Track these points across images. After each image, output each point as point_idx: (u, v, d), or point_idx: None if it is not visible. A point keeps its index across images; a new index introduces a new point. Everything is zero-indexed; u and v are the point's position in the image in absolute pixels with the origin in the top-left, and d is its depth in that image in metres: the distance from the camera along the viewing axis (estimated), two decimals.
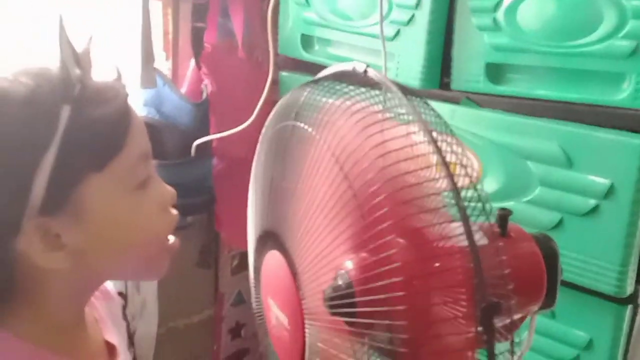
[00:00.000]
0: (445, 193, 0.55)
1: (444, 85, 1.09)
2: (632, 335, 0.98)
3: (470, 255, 0.53)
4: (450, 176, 0.53)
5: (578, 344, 0.99)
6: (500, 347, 0.57)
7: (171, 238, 0.67)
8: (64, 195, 0.56)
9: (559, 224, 0.95)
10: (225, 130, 1.21)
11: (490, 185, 1.01)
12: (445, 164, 0.54)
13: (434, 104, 1.11)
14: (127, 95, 0.62)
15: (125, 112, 0.61)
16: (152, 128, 1.19)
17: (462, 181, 0.55)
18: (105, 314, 0.73)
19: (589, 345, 0.99)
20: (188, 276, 1.48)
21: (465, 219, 0.53)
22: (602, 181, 0.89)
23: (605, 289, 0.92)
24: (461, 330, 0.53)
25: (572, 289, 0.97)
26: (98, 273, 0.63)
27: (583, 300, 0.97)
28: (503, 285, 0.55)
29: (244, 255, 1.56)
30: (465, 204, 0.55)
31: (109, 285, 0.78)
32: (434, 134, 0.56)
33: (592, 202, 0.90)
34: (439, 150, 0.54)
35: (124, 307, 1.43)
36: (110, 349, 0.70)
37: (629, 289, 0.92)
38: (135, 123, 0.61)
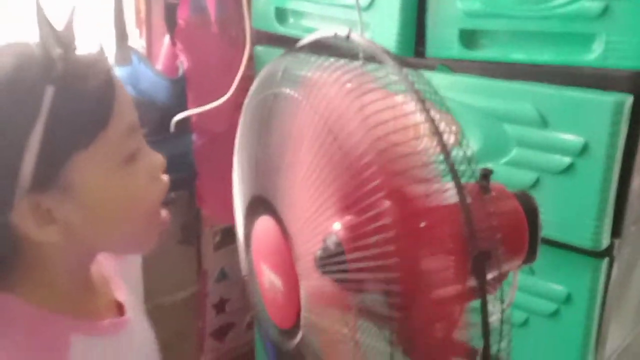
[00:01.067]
0: (432, 152, 0.57)
1: (419, 53, 1.11)
2: (609, 287, 1.02)
3: (460, 207, 0.56)
4: (438, 134, 0.55)
5: (557, 298, 1.03)
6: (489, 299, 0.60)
7: (163, 212, 0.68)
8: (53, 173, 0.57)
9: (536, 183, 0.98)
10: (203, 106, 1.22)
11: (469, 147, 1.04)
12: (432, 121, 0.56)
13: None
14: (110, 68, 0.62)
15: (109, 86, 0.61)
16: None
17: (449, 140, 0.57)
18: (115, 272, 0.74)
19: (567, 299, 1.02)
20: (171, 253, 1.49)
21: (454, 174, 0.55)
22: (576, 139, 0.92)
23: (582, 243, 0.96)
24: (454, 281, 0.56)
25: (550, 246, 1.00)
26: (91, 246, 0.64)
27: (561, 255, 1.01)
28: (491, 237, 0.58)
29: (225, 232, 1.58)
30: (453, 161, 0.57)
31: None
32: (420, 95, 0.57)
33: (567, 160, 0.93)
34: (425, 110, 0.56)
35: None
36: (119, 306, 0.71)
37: (605, 242, 0.96)
38: (120, 96, 0.62)
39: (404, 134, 0.58)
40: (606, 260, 1.00)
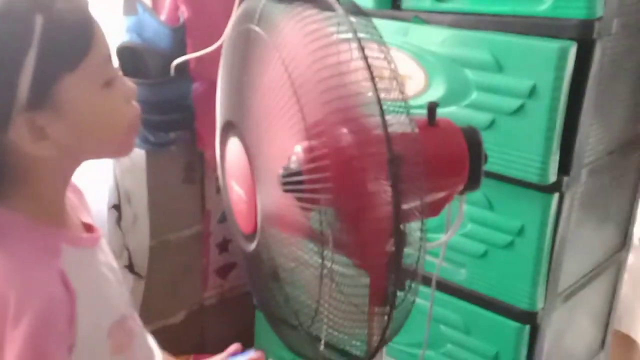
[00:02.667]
0: (370, 93, 0.67)
1: (396, 5, 1.21)
2: (560, 221, 1.12)
3: (383, 127, 0.66)
4: (372, 77, 0.65)
5: (511, 230, 1.13)
6: (414, 226, 0.69)
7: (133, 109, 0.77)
8: (45, 92, 0.67)
9: (492, 124, 1.07)
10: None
11: (436, 93, 1.14)
12: (369, 68, 0.66)
13: (387, 23, 1.23)
14: (87, 4, 0.72)
15: (90, 17, 0.71)
16: (134, 51, 1.31)
17: (389, 86, 0.67)
18: (77, 203, 0.85)
19: (521, 232, 1.13)
20: (176, 192, 1.61)
21: (379, 104, 0.65)
22: (526, 82, 1.02)
23: (532, 178, 1.06)
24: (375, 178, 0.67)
25: (505, 182, 1.10)
26: (78, 157, 0.74)
27: (515, 191, 1.11)
28: (418, 164, 0.68)
29: None
30: (384, 97, 0.67)
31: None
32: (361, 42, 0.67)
33: (519, 101, 1.03)
34: (364, 55, 0.65)
35: (119, 219, 1.57)
36: (88, 228, 0.82)
37: (552, 177, 1.05)
38: (97, 30, 0.71)
39: (349, 76, 0.68)
40: (556, 195, 1.09)
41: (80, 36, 0.69)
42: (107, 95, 0.72)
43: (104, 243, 0.83)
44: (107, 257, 0.82)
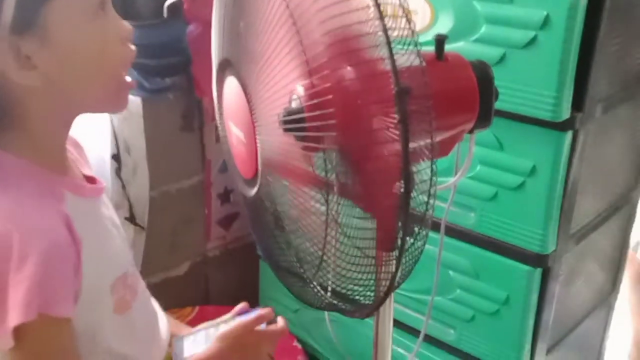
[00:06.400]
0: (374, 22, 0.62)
1: None
2: (573, 160, 1.08)
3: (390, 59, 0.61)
4: (376, 3, 0.60)
5: (522, 171, 1.09)
6: (423, 165, 0.64)
7: (128, 78, 0.74)
8: (31, 16, 0.63)
9: (502, 58, 1.02)
10: None
11: (443, 27, 1.08)
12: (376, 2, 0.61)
13: None
14: None
15: None
16: None
17: (396, 23, 0.62)
18: (77, 157, 0.82)
19: (532, 172, 1.08)
20: (174, 142, 1.56)
21: (387, 37, 0.60)
22: (539, 12, 0.96)
23: (544, 115, 1.01)
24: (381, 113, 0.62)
25: (515, 121, 1.05)
26: (69, 96, 0.70)
27: (527, 130, 1.06)
28: (426, 98, 0.63)
29: None
30: (392, 32, 0.61)
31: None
32: None
33: (531, 33, 0.98)
34: None
35: (118, 169, 1.54)
36: (90, 180, 0.79)
37: (565, 114, 1.01)
38: None
39: (348, 4, 0.62)
40: (569, 133, 1.05)
41: None
42: (98, 26, 0.68)
43: (105, 198, 0.80)
44: (109, 211, 0.80)
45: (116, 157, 1.51)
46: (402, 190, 0.64)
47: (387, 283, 0.69)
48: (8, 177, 0.68)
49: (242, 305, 0.92)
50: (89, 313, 0.70)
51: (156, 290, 0.89)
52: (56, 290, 0.64)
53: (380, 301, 0.71)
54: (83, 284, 0.68)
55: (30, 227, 0.64)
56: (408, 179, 0.63)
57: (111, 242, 0.77)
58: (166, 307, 0.90)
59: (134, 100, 1.39)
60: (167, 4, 1.28)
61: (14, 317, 0.61)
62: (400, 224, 0.66)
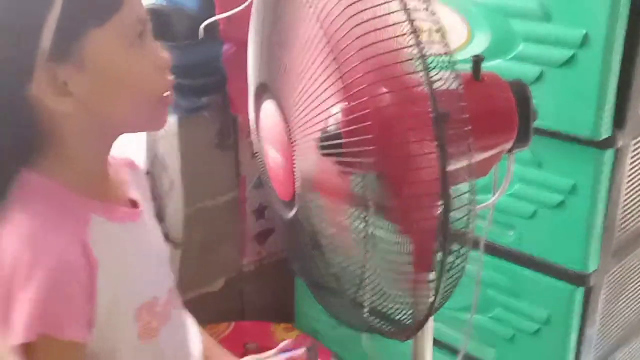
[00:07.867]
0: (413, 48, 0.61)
1: None
2: (615, 178, 1.06)
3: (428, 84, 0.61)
4: (414, 30, 0.60)
5: (562, 189, 1.07)
6: (463, 188, 0.64)
7: (166, 93, 0.75)
8: (70, 45, 0.65)
9: (540, 77, 1.01)
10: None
11: (478, 46, 1.07)
12: (411, 22, 0.60)
13: None
14: None
15: None
16: (161, 13, 1.28)
17: (430, 39, 0.62)
18: (130, 179, 0.83)
19: (572, 190, 1.07)
20: (209, 159, 1.58)
21: (423, 61, 0.60)
22: (577, 31, 0.94)
23: (584, 132, 0.99)
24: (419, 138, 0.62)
25: (555, 138, 1.04)
26: (105, 121, 0.71)
27: (566, 148, 1.05)
28: (464, 122, 0.63)
29: None
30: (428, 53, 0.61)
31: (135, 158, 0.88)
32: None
33: (569, 52, 0.96)
34: (406, 9, 0.60)
35: (154, 186, 1.56)
36: (133, 204, 0.80)
37: (606, 132, 0.99)
38: None
39: (388, 32, 0.62)
40: (611, 151, 1.03)
41: None
42: (136, 56, 0.69)
43: (148, 220, 0.81)
44: (149, 235, 0.80)
45: (150, 174, 1.53)
46: (440, 214, 0.64)
47: (428, 304, 0.68)
48: (34, 198, 0.69)
49: (286, 343, 0.92)
50: (108, 338, 0.70)
51: (192, 306, 0.90)
52: (61, 312, 0.65)
53: (421, 322, 0.71)
54: (99, 308, 0.68)
55: (42, 248, 0.65)
56: (447, 203, 0.63)
57: (141, 268, 0.76)
58: (202, 323, 0.90)
59: (170, 119, 1.41)
60: (203, 24, 1.29)
61: (15, 337, 0.62)
62: (439, 244, 0.66)
